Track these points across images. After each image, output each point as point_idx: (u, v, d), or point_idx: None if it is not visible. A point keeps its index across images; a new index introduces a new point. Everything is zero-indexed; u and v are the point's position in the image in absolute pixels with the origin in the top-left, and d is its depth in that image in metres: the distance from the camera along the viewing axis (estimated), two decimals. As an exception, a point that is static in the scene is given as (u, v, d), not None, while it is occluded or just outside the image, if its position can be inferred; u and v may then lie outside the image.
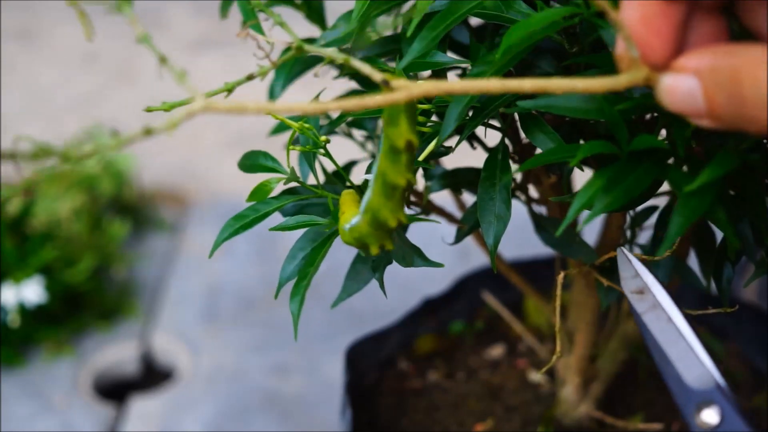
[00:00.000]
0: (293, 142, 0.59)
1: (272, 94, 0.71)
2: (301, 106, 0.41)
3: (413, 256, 0.58)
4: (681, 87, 0.41)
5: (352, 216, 0.51)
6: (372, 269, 0.61)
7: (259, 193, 0.59)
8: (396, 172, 0.46)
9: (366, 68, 0.41)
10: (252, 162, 0.62)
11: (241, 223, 0.59)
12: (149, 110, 0.51)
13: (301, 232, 0.60)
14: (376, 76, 0.41)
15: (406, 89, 0.40)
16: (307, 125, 0.58)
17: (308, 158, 0.61)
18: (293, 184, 0.61)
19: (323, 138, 0.58)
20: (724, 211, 0.47)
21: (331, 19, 0.66)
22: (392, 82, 0.41)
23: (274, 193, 0.60)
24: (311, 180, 0.62)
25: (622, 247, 0.55)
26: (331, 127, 0.63)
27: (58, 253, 1.25)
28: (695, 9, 0.42)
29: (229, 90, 0.50)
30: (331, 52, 0.43)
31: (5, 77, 1.86)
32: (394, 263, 0.60)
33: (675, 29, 0.41)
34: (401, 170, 0.46)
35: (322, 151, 0.58)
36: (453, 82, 0.42)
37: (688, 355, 0.51)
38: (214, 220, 1.47)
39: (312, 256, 0.59)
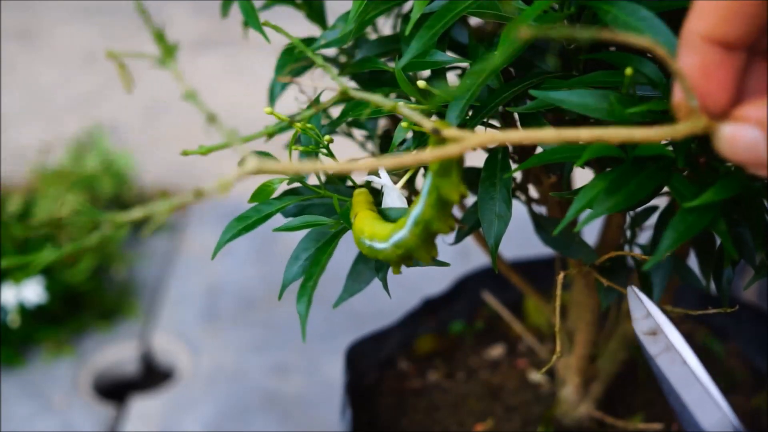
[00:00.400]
0: (294, 142, 0.59)
1: (272, 95, 0.71)
2: (360, 165, 0.40)
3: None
4: (743, 137, 0.40)
5: (390, 231, 0.51)
6: (375, 269, 0.61)
7: (261, 194, 0.59)
8: (450, 189, 0.46)
9: (416, 117, 0.40)
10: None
11: (244, 224, 0.59)
12: (185, 154, 0.51)
13: (303, 232, 0.60)
14: (427, 125, 0.40)
15: (461, 141, 0.39)
16: (309, 125, 0.58)
17: (310, 158, 0.60)
18: (295, 184, 0.61)
19: (327, 138, 0.58)
20: (725, 224, 0.47)
21: (331, 18, 0.66)
22: (444, 132, 0.39)
23: (275, 194, 0.60)
24: (312, 180, 0.62)
25: (633, 287, 0.54)
26: (332, 127, 0.63)
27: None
28: (754, 55, 0.41)
29: (270, 135, 0.49)
30: (379, 99, 0.42)
31: (5, 77, 1.86)
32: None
33: (735, 78, 0.40)
34: (454, 187, 0.46)
35: (324, 150, 0.58)
36: (510, 132, 0.41)
37: (705, 400, 0.49)
38: (214, 221, 1.47)
39: (317, 257, 0.59)
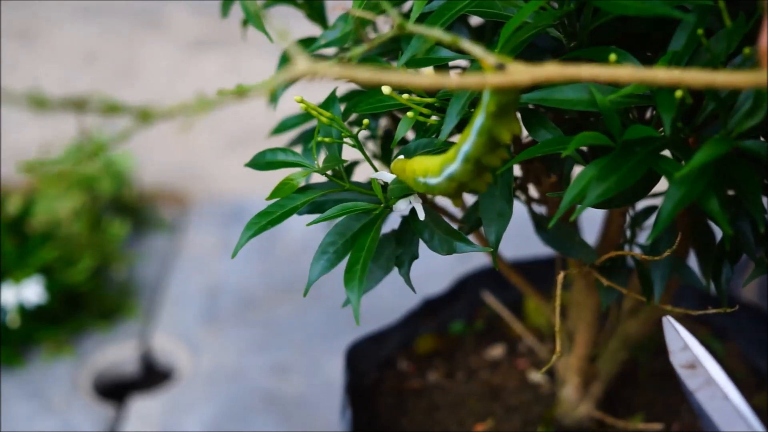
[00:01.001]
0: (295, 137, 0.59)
1: (273, 95, 0.71)
2: (423, 80, 0.39)
3: (453, 242, 0.56)
4: None
5: (441, 164, 0.49)
6: (396, 265, 0.60)
7: (282, 189, 0.58)
8: (503, 130, 0.46)
9: (478, 51, 0.39)
10: (269, 159, 0.61)
11: (268, 219, 0.58)
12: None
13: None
14: (490, 59, 0.39)
15: (525, 72, 0.38)
16: (335, 116, 0.57)
17: (333, 151, 0.59)
18: (310, 182, 0.60)
19: (365, 122, 0.58)
20: (717, 201, 0.47)
21: (332, 18, 0.66)
22: (509, 66, 0.38)
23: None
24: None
25: (669, 317, 0.51)
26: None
27: (58, 253, 1.25)
28: None
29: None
30: (438, 33, 0.41)
31: (5, 77, 1.86)
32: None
33: None
34: (508, 127, 0.46)
35: (350, 141, 0.58)
36: (575, 68, 0.38)
37: None
38: (214, 220, 1.47)
39: (360, 241, 0.57)
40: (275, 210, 0.58)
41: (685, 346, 0.50)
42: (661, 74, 0.36)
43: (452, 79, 0.38)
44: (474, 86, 0.38)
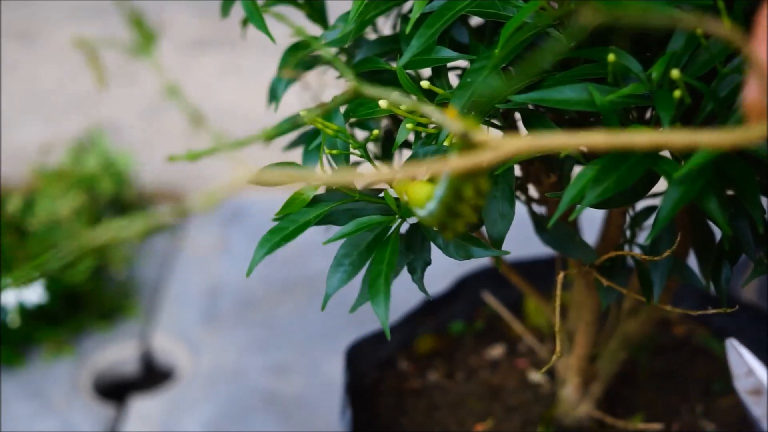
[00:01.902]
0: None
1: (274, 94, 0.71)
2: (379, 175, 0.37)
3: (470, 247, 0.56)
4: None
5: (425, 199, 0.48)
6: (409, 271, 0.60)
7: (293, 204, 0.57)
8: (469, 190, 0.43)
9: (443, 119, 0.36)
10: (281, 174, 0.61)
11: (282, 235, 0.57)
12: (172, 159, 0.49)
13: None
14: (455, 127, 0.35)
15: (493, 148, 0.34)
16: (341, 128, 0.57)
17: (341, 163, 0.59)
18: (317, 192, 0.60)
19: (375, 132, 0.58)
20: (715, 201, 0.47)
21: (332, 18, 0.66)
22: (474, 137, 0.35)
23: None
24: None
25: (732, 340, 0.49)
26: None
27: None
28: None
29: (269, 138, 0.47)
30: (395, 95, 0.39)
31: (5, 77, 1.86)
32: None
33: None
34: (474, 190, 0.43)
35: (357, 153, 0.58)
36: (551, 136, 0.36)
37: None
38: (214, 220, 1.47)
39: (378, 255, 0.56)
40: (287, 225, 0.57)
41: (749, 371, 0.47)
42: (639, 139, 0.34)
43: (410, 169, 0.37)
44: (437, 172, 0.37)
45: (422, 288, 0.59)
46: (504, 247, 0.65)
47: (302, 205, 0.57)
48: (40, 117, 1.78)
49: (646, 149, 0.34)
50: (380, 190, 0.59)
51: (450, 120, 0.36)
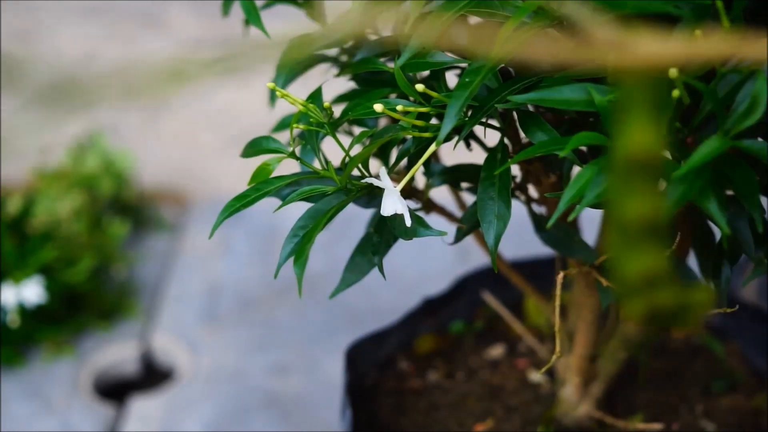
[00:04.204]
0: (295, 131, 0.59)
1: (273, 94, 0.71)
2: None
3: (416, 227, 0.57)
4: None
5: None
6: (373, 252, 0.61)
7: (260, 174, 0.60)
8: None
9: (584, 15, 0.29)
10: (256, 148, 0.63)
11: (243, 202, 0.60)
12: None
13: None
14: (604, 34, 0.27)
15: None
16: (311, 105, 0.58)
17: (311, 139, 0.61)
18: (296, 170, 0.62)
19: (326, 104, 0.59)
20: (715, 201, 0.47)
21: (332, 18, 0.66)
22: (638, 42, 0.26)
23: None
24: (316, 164, 0.62)
25: None
26: (334, 126, 0.63)
27: (58, 253, 1.25)
28: None
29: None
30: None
31: (5, 77, 1.86)
32: (395, 262, 0.60)
33: None
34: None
35: (325, 131, 0.59)
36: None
37: None
38: (213, 220, 1.46)
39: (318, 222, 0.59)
40: (250, 193, 0.60)
41: None
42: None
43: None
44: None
45: (381, 271, 0.61)
46: (503, 247, 0.65)
47: (268, 175, 0.60)
48: (39, 117, 1.78)
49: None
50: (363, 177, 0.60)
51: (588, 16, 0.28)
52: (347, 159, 0.60)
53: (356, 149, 0.61)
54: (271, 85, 0.60)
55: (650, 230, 0.28)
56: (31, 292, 1.20)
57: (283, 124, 0.73)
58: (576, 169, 0.58)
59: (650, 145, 0.27)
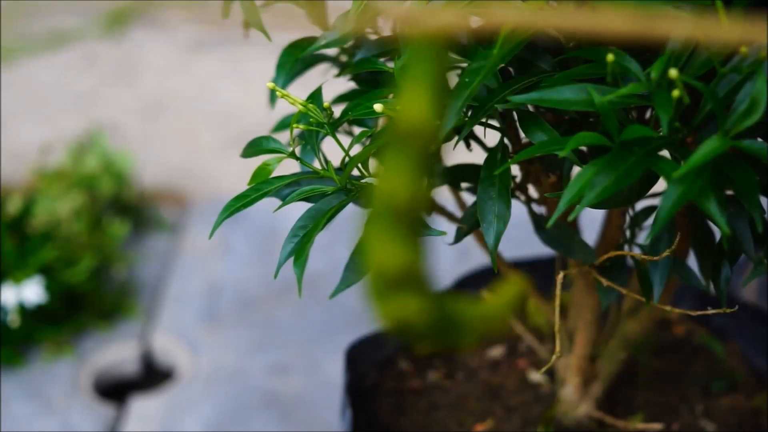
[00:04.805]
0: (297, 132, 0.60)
1: (273, 94, 0.71)
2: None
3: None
4: None
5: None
6: None
7: (260, 174, 0.60)
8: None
9: None
10: (256, 147, 0.63)
11: (243, 202, 0.60)
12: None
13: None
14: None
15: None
16: (311, 105, 0.58)
17: (311, 139, 0.61)
18: (296, 170, 0.62)
19: (326, 104, 0.59)
20: (714, 200, 0.47)
21: (332, 18, 0.66)
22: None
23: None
24: (316, 164, 0.62)
25: None
26: (334, 126, 0.63)
27: (58, 253, 1.25)
28: None
29: None
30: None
31: (5, 77, 1.86)
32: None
33: None
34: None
35: (325, 131, 0.59)
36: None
37: None
38: (213, 220, 1.46)
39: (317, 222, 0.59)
40: (250, 193, 0.60)
41: None
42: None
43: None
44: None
45: None
46: (503, 247, 0.65)
47: (267, 175, 0.60)
48: (40, 117, 1.78)
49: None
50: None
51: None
52: (347, 159, 0.60)
53: (356, 149, 0.61)
54: (271, 85, 0.60)
55: (406, 279, 0.27)
56: (31, 292, 1.20)
57: (283, 124, 0.73)
58: (576, 169, 0.58)
59: (424, 112, 0.26)
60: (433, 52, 0.26)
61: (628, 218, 0.70)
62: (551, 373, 0.89)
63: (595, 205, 0.50)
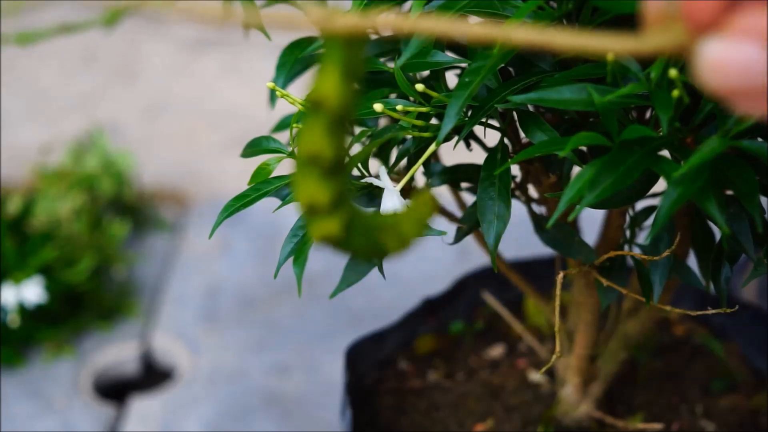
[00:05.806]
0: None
1: (273, 94, 0.71)
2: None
3: None
4: (735, 57, 0.28)
5: None
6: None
7: (259, 174, 0.60)
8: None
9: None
10: (255, 147, 0.63)
11: (243, 202, 0.60)
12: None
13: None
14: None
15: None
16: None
17: None
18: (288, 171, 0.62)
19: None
20: (714, 200, 0.47)
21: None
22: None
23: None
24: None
25: None
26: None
27: (58, 253, 1.25)
28: None
29: None
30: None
31: (5, 77, 1.86)
32: (395, 262, 0.60)
33: None
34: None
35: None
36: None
37: None
38: (214, 220, 1.46)
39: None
40: (250, 193, 0.60)
41: None
42: (519, 33, 0.29)
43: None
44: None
45: (381, 271, 0.61)
46: (503, 247, 0.65)
47: (267, 175, 0.60)
48: (40, 117, 1.78)
49: (562, 48, 0.29)
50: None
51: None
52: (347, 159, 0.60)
53: (356, 149, 0.61)
54: (271, 85, 0.60)
55: (317, 163, 0.33)
56: (31, 292, 1.20)
57: (283, 124, 0.73)
58: (576, 169, 0.58)
59: (335, 93, 0.32)
60: (346, 45, 0.32)
61: (628, 218, 0.70)
62: (551, 373, 0.89)
63: (595, 205, 0.50)
